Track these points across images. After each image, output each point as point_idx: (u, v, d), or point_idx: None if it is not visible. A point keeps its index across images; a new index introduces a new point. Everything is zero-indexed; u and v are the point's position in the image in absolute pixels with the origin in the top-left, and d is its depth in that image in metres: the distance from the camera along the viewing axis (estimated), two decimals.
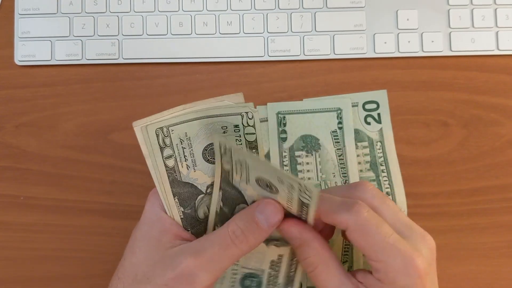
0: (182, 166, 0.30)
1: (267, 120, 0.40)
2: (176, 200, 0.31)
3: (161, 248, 0.29)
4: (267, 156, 0.39)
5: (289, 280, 0.33)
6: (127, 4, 0.41)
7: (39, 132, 0.40)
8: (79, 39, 0.40)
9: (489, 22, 0.41)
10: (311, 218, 0.28)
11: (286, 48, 0.40)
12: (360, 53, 0.40)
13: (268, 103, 0.40)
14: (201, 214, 0.32)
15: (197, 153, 0.31)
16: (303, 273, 0.34)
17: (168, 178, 0.30)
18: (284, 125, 0.39)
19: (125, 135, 0.40)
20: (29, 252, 0.39)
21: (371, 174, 0.39)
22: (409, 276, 0.27)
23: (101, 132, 0.40)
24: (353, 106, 0.40)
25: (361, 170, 0.38)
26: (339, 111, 0.39)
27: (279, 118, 0.39)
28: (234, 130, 0.31)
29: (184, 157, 0.30)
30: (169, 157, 0.30)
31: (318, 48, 0.40)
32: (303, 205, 0.28)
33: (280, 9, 0.41)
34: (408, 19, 0.41)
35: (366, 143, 0.39)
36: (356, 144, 0.39)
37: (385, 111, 0.40)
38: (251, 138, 0.31)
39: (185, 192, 0.31)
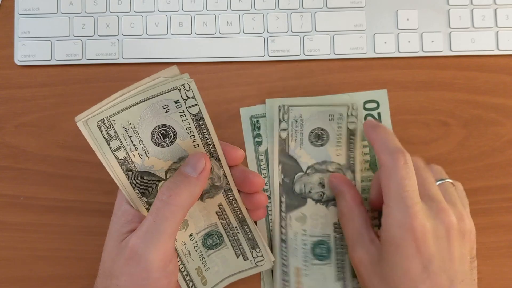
0: (134, 156, 0.29)
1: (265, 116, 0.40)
2: (137, 191, 0.30)
3: (120, 240, 0.29)
4: (266, 152, 0.39)
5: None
6: (127, 4, 0.41)
7: (39, 132, 0.40)
8: (79, 39, 0.40)
9: (489, 22, 0.41)
10: (358, 152, 0.37)
11: (286, 48, 0.40)
12: (360, 53, 0.40)
13: (266, 99, 0.40)
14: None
15: (146, 140, 0.30)
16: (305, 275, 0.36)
17: (123, 170, 0.29)
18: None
19: None
20: (28, 252, 0.39)
21: (370, 174, 0.39)
22: (403, 231, 0.28)
23: None
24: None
25: (360, 170, 0.38)
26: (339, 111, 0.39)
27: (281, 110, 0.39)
28: (176, 106, 0.29)
29: (134, 146, 0.29)
30: (118, 148, 0.29)
31: (318, 48, 0.40)
32: (350, 137, 0.36)
33: (280, 9, 0.41)
34: (408, 19, 0.41)
35: (366, 143, 0.39)
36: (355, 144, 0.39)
37: (385, 111, 0.40)
38: (194, 110, 0.30)
39: (144, 182, 0.30)
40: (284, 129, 0.36)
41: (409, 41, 0.41)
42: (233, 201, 0.33)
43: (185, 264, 0.33)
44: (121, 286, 0.28)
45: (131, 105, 0.29)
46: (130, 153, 0.29)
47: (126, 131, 0.29)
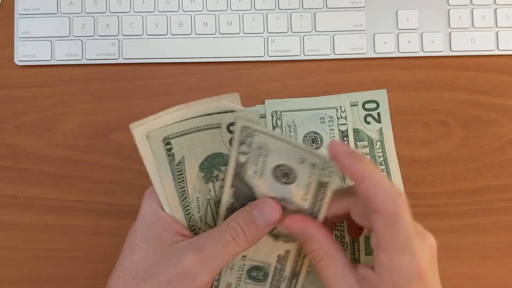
0: (249, 168, 0.30)
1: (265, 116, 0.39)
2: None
3: (162, 246, 0.29)
4: None
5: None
6: (127, 4, 0.41)
7: (39, 132, 0.40)
8: (79, 39, 0.40)
9: (489, 22, 0.41)
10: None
11: (286, 48, 0.40)
12: (360, 53, 0.40)
13: (266, 100, 0.40)
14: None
15: (268, 166, 0.30)
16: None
17: (234, 171, 0.30)
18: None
19: (125, 135, 0.40)
20: (28, 252, 0.39)
21: None
22: (412, 279, 0.27)
23: (101, 132, 0.40)
24: (352, 105, 0.40)
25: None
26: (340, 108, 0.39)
27: (275, 115, 0.39)
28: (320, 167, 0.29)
29: (256, 161, 0.30)
30: (244, 153, 0.30)
31: (318, 48, 0.40)
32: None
33: (280, 9, 0.41)
34: (408, 19, 0.41)
35: (365, 143, 0.39)
36: (355, 144, 0.39)
37: (385, 111, 0.40)
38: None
39: (243, 190, 0.31)
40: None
41: (409, 41, 0.41)
42: (301, 255, 0.33)
43: (222, 273, 0.34)
44: None
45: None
46: (250, 163, 0.30)
47: (260, 149, 0.29)
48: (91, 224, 0.40)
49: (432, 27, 0.41)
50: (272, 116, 0.38)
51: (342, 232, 0.38)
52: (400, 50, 0.41)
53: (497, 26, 0.41)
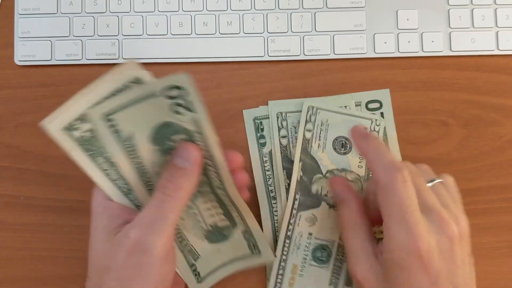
0: (314, 142, 0.36)
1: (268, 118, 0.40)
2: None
3: (112, 234, 0.29)
4: (270, 154, 0.39)
5: None
6: (127, 4, 0.41)
7: (39, 132, 0.40)
8: (79, 39, 0.40)
9: (489, 22, 0.41)
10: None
11: (286, 48, 0.40)
12: (360, 53, 0.40)
13: (269, 101, 0.40)
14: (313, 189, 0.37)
15: (329, 139, 0.37)
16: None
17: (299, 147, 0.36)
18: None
19: None
20: (28, 252, 0.39)
21: None
22: (408, 253, 0.27)
23: None
24: (356, 105, 0.40)
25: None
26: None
27: (280, 116, 0.39)
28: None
29: (319, 136, 0.37)
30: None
31: (318, 48, 0.40)
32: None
33: (280, 9, 0.41)
34: (408, 19, 0.41)
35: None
36: None
37: (388, 110, 0.40)
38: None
39: (310, 165, 0.36)
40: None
41: (409, 41, 0.41)
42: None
43: (288, 253, 0.36)
44: (122, 279, 0.28)
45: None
46: (313, 139, 0.35)
47: (322, 125, 0.36)
48: None
49: (432, 27, 0.41)
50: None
51: None
52: (400, 50, 0.41)
53: (497, 26, 0.41)
